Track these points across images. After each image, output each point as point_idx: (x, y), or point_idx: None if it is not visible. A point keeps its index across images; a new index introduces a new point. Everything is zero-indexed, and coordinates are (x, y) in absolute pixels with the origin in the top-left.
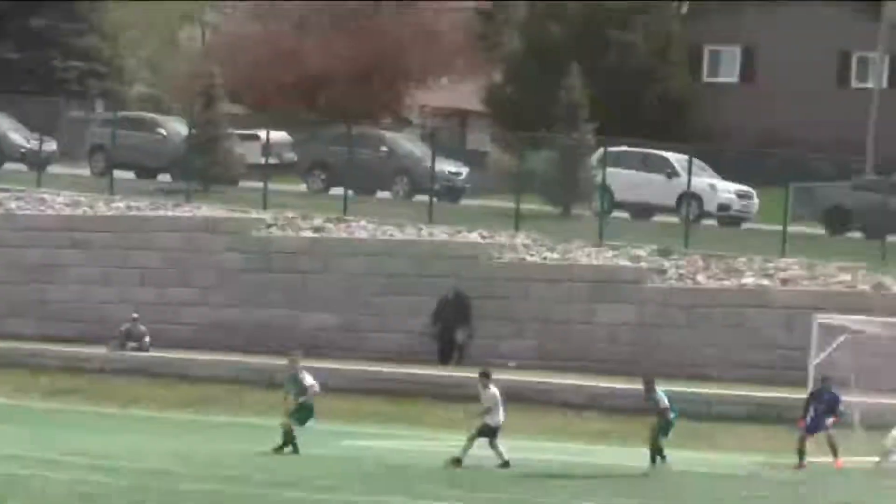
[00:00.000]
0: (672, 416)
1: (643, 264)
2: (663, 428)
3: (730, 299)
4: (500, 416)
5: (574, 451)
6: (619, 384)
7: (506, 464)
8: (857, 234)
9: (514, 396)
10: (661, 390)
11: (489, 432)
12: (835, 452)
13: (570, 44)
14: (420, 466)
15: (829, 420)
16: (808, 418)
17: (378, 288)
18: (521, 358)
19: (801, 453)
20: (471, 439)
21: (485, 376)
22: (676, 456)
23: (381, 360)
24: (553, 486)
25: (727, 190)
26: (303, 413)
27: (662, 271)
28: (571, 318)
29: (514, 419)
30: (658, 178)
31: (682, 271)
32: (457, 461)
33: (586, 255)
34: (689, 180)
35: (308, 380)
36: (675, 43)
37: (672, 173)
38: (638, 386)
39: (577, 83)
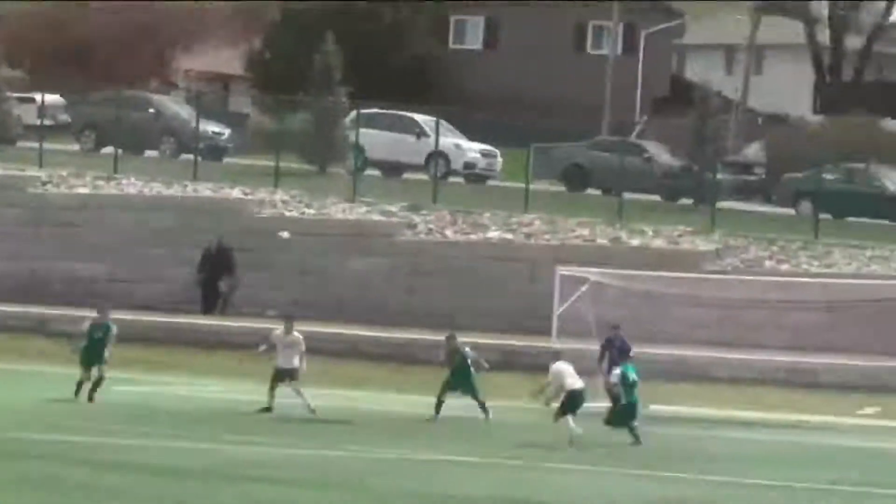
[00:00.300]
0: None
1: (395, 219)
2: (462, 383)
3: (476, 252)
4: (289, 361)
5: (335, 397)
6: (378, 332)
7: (268, 409)
8: (596, 192)
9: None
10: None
11: (283, 375)
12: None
13: (325, 15)
14: (184, 410)
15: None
16: (604, 366)
17: (146, 241)
18: (280, 307)
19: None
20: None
21: (290, 321)
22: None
23: (149, 310)
24: (313, 430)
25: (472, 149)
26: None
27: (413, 226)
28: (328, 270)
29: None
30: (408, 138)
31: (431, 226)
32: (312, 411)
33: (341, 211)
34: (437, 140)
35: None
36: (423, 14)
37: (421, 134)
38: (397, 335)
39: (331, 50)
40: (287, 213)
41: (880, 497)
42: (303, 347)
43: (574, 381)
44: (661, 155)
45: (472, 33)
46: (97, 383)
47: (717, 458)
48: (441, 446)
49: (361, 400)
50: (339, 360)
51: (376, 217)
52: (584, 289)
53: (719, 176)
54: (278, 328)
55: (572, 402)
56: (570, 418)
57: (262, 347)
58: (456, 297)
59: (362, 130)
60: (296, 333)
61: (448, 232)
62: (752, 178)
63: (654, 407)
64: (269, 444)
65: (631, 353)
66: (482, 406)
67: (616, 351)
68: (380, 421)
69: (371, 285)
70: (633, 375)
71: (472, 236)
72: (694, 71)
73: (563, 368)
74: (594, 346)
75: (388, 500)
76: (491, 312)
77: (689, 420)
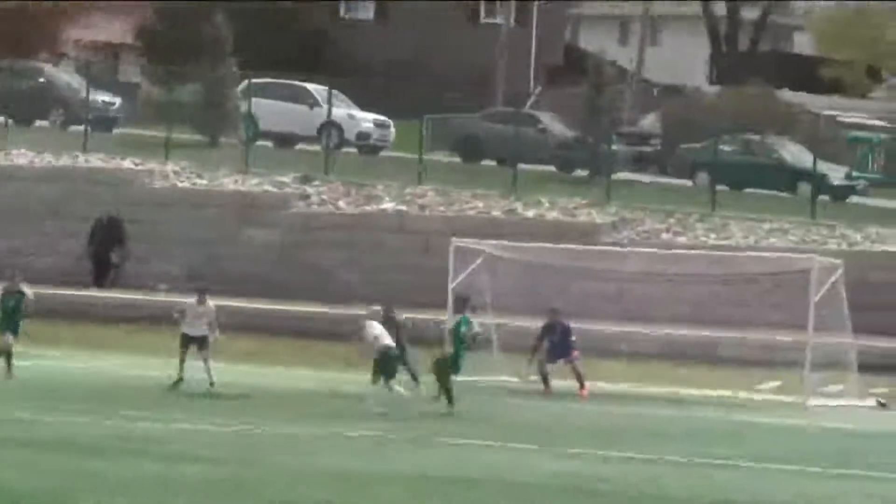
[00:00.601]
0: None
1: (287, 190)
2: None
3: (370, 224)
4: (198, 328)
5: (229, 371)
6: (271, 305)
7: (180, 381)
8: (490, 163)
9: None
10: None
11: (190, 341)
12: (581, 381)
13: None
14: (77, 383)
15: (574, 353)
16: (546, 349)
17: (37, 213)
18: (172, 280)
19: (545, 379)
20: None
21: (203, 293)
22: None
23: (40, 282)
24: (210, 405)
25: (365, 120)
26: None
27: (306, 197)
28: (220, 242)
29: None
30: (300, 108)
31: (324, 197)
32: (210, 384)
33: (233, 182)
34: (330, 110)
35: (31, 294)
36: None
37: (313, 104)
38: (291, 308)
39: (221, 19)
40: (179, 185)
41: (776, 472)
42: (213, 317)
43: (386, 339)
44: (556, 126)
45: (362, 3)
46: (8, 356)
47: (615, 434)
48: (340, 422)
49: (255, 374)
50: (233, 334)
51: (268, 188)
52: (479, 261)
53: (614, 147)
54: (190, 299)
55: (385, 361)
56: (388, 380)
57: (176, 315)
58: (349, 270)
59: (254, 101)
60: (210, 303)
61: (341, 203)
62: (648, 149)
63: (555, 382)
64: (165, 419)
65: (573, 338)
66: (414, 379)
67: (559, 335)
68: (275, 396)
69: (264, 258)
70: (466, 329)
71: (366, 208)
72: (588, 41)
73: (377, 326)
74: (490, 321)
75: (283, 476)
76: (385, 285)
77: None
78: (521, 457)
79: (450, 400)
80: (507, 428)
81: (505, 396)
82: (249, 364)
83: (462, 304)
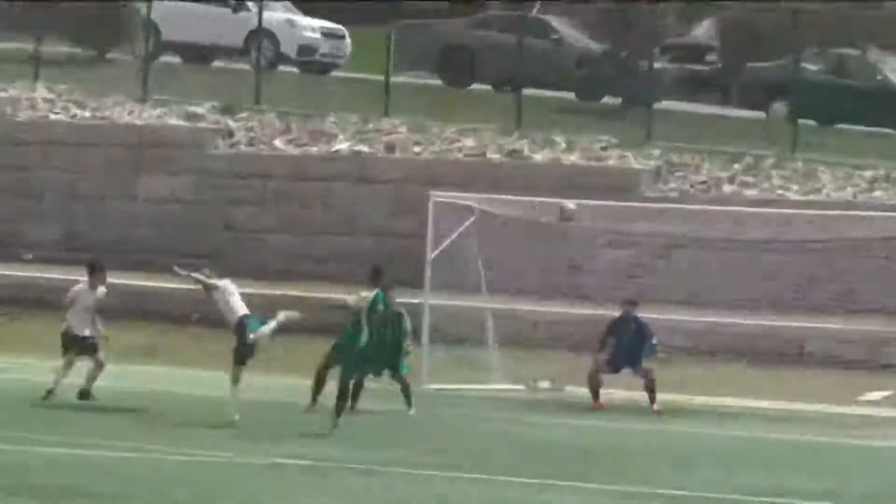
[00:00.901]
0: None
1: (202, 125)
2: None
3: (318, 170)
4: (85, 325)
5: (115, 375)
6: (176, 284)
7: (51, 392)
8: (484, 87)
9: (34, 301)
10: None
11: (74, 342)
12: (652, 396)
13: None
14: None
15: (647, 359)
16: (609, 352)
17: None
18: (41, 248)
19: (595, 391)
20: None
21: (99, 271)
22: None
23: None
24: (84, 421)
25: (310, 28)
26: None
27: (228, 134)
28: (108, 195)
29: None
30: (220, 11)
31: (253, 134)
32: (89, 393)
33: (128, 113)
34: (261, 15)
35: None
36: None
37: (238, 6)
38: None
39: None
40: (53, 116)
41: None
42: (102, 304)
43: (242, 306)
44: (575, 36)
45: None
46: None
47: (643, 461)
48: (269, 443)
49: (156, 377)
50: (123, 323)
51: (176, 122)
52: (469, 222)
53: (657, 65)
54: (82, 281)
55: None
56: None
57: (67, 301)
58: (288, 234)
59: (157, 2)
60: (102, 288)
61: (277, 142)
62: (703, 68)
63: (569, 388)
64: (42, 442)
65: (654, 340)
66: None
67: (633, 335)
68: (184, 408)
69: (169, 216)
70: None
71: (312, 149)
72: None
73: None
74: (486, 305)
75: None
76: (337, 255)
77: (620, 409)
78: (502, 490)
79: (338, 409)
80: (492, 454)
81: (500, 410)
82: (148, 363)
83: (376, 275)
